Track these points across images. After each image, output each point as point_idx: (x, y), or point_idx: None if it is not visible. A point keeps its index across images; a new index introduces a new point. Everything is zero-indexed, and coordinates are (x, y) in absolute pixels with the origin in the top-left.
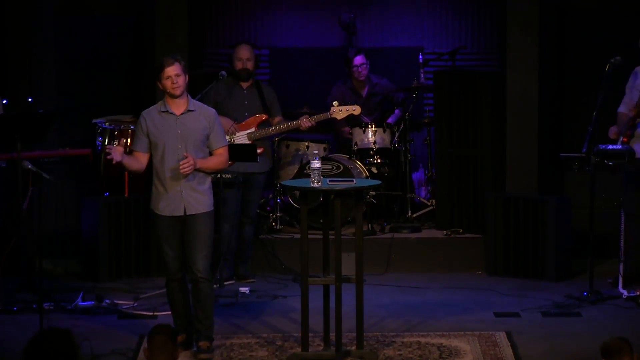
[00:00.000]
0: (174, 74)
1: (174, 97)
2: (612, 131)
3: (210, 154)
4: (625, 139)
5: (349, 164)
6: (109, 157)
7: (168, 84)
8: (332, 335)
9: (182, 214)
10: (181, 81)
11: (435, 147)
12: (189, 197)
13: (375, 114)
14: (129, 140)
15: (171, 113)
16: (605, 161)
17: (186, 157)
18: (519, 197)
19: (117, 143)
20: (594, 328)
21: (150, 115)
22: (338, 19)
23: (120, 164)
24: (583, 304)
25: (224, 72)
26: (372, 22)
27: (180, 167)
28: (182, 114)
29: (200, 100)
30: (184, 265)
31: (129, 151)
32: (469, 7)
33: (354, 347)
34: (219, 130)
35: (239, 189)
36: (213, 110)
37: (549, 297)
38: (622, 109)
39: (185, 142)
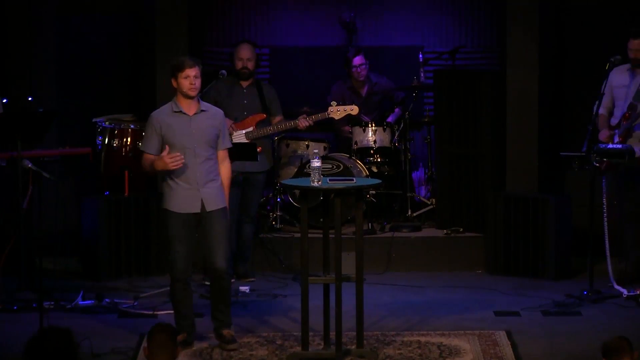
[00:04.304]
0: (192, 75)
1: (188, 97)
2: (604, 135)
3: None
4: (620, 138)
5: (349, 163)
6: (177, 163)
7: (186, 83)
8: (332, 334)
9: (199, 210)
10: (198, 83)
11: (436, 146)
12: (206, 194)
13: (375, 113)
14: (129, 139)
15: (184, 113)
16: (602, 159)
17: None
18: (519, 196)
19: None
20: (594, 327)
21: (162, 116)
22: (338, 18)
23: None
24: (583, 303)
25: (224, 71)
26: (372, 21)
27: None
28: (195, 114)
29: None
30: (191, 265)
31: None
32: (469, 6)
33: (354, 346)
34: (226, 130)
35: (239, 188)
36: (221, 111)
37: (549, 296)
38: (602, 110)
39: (198, 142)
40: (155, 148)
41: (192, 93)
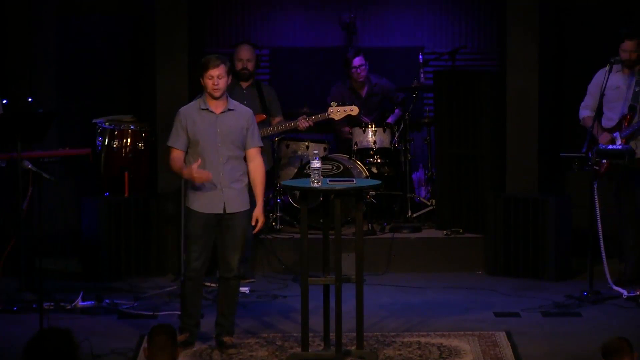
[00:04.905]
0: (216, 75)
1: (212, 97)
2: (606, 138)
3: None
4: (623, 140)
5: (349, 163)
6: (201, 179)
7: (209, 84)
8: (332, 335)
9: (221, 211)
10: (222, 83)
11: (435, 147)
12: (228, 195)
13: (375, 114)
14: (129, 140)
15: (211, 111)
16: (601, 161)
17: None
18: (519, 197)
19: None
20: (594, 328)
21: (189, 113)
22: (338, 19)
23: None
24: (583, 304)
25: None
26: (372, 22)
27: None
28: (221, 112)
29: (200, 98)
30: (206, 266)
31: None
32: (469, 6)
33: (354, 347)
34: (256, 129)
35: None
36: (250, 110)
37: (549, 297)
38: (589, 112)
39: (222, 141)
40: (183, 144)
41: (216, 94)
